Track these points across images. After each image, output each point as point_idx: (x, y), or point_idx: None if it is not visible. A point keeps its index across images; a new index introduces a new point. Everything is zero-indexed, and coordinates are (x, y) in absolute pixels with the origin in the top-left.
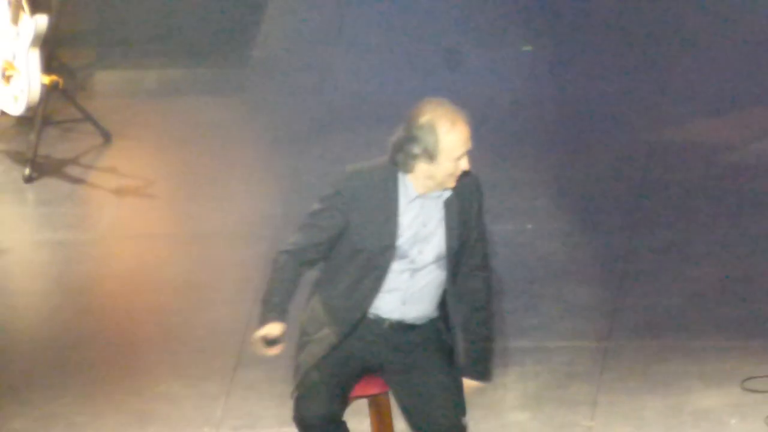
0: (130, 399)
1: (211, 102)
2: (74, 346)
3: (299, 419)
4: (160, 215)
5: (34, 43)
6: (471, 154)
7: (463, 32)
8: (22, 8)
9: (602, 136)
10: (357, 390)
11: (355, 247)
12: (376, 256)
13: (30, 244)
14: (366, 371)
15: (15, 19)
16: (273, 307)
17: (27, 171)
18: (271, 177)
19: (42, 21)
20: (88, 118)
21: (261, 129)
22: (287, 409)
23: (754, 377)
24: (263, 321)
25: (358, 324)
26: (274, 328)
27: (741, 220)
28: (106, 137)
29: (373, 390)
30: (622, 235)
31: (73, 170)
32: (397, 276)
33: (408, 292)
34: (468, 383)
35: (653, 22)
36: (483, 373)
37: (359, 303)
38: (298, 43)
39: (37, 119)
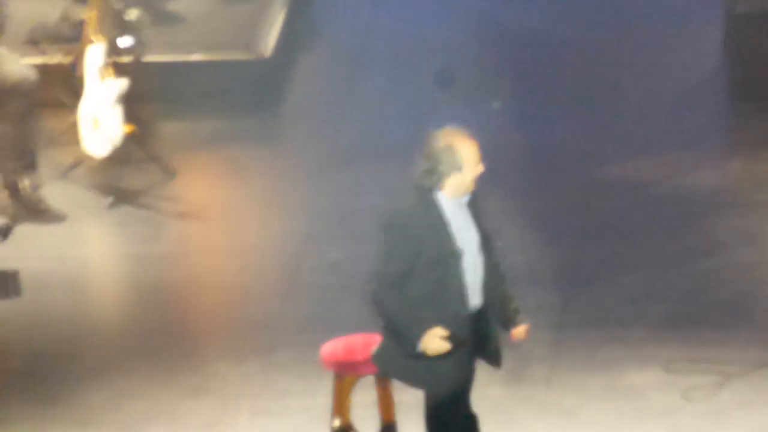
0: (187, 376)
1: (250, 146)
2: (142, 335)
3: (454, 411)
4: (210, 233)
5: (117, 100)
6: None
7: (453, 83)
8: (109, 73)
9: (558, 174)
10: (366, 369)
11: (429, 263)
12: (447, 263)
13: (111, 255)
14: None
15: (102, 80)
16: (418, 325)
17: (109, 199)
18: (297, 203)
19: (123, 83)
20: (156, 158)
21: (288, 166)
22: (311, 382)
23: (674, 361)
24: (417, 336)
25: (469, 319)
26: (437, 332)
27: (664, 239)
28: (171, 174)
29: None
30: (572, 250)
31: (144, 199)
32: (468, 272)
33: (476, 282)
34: (520, 329)
35: (597, 84)
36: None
37: (460, 302)
38: (316, 99)
39: (117, 159)
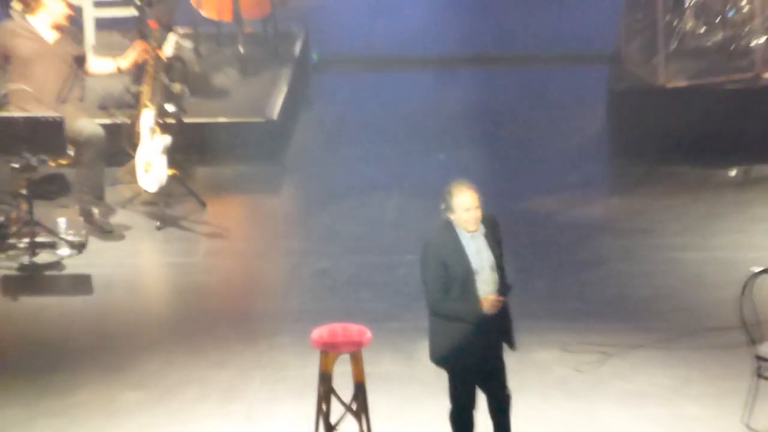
0: (213, 353)
1: (261, 185)
2: (180, 321)
3: (465, 398)
4: (231, 248)
5: (164, 151)
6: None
7: (412, 142)
8: (158, 130)
9: (486, 206)
10: (344, 348)
11: (455, 278)
12: (466, 278)
13: (157, 264)
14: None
15: (153, 136)
16: (467, 306)
17: (157, 223)
18: (296, 226)
19: (168, 138)
20: (192, 193)
21: (289, 200)
22: (304, 358)
23: (569, 344)
24: (470, 312)
25: (485, 318)
26: (486, 302)
27: (564, 254)
28: (202, 205)
29: (353, 348)
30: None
31: (183, 223)
32: (483, 286)
33: (489, 292)
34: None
35: (514, 142)
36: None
37: (475, 307)
38: (311, 151)
39: (163, 194)
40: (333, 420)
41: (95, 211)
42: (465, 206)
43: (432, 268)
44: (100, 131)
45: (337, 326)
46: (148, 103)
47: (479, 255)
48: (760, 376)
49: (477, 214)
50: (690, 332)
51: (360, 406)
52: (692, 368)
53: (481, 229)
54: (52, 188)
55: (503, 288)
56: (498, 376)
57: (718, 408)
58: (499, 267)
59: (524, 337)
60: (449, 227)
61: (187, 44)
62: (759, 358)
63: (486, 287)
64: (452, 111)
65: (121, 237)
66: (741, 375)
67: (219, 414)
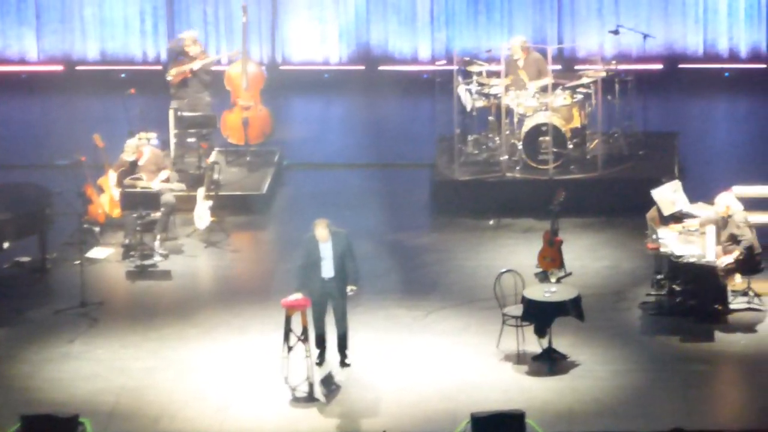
0: (235, 318)
1: (258, 227)
2: (218, 294)
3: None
4: (245, 258)
5: (208, 208)
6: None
7: (338, 209)
8: (204, 198)
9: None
10: (298, 308)
11: (314, 260)
12: (317, 262)
13: (203, 266)
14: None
15: (203, 200)
16: (312, 273)
17: (204, 245)
18: (277, 249)
19: (210, 202)
20: (222, 229)
21: (275, 237)
22: (279, 314)
23: (410, 306)
24: (300, 287)
25: (323, 282)
26: (298, 295)
27: (407, 261)
28: (228, 235)
29: (302, 308)
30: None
31: (217, 244)
32: (325, 266)
33: (329, 268)
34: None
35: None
36: (356, 282)
37: (321, 276)
38: (287, 210)
39: (207, 229)
40: (291, 343)
41: (158, 237)
42: (317, 231)
43: (301, 253)
44: (173, 198)
45: (291, 297)
46: (201, 190)
47: (325, 252)
48: (504, 323)
49: (322, 234)
50: (470, 301)
51: (305, 338)
52: (471, 319)
53: (330, 240)
54: (152, 226)
55: (344, 267)
56: (338, 311)
57: (484, 338)
58: (340, 259)
59: (386, 302)
60: (313, 237)
61: (219, 161)
62: (504, 314)
63: (327, 267)
64: (359, 188)
65: (186, 251)
66: (496, 322)
67: (235, 338)
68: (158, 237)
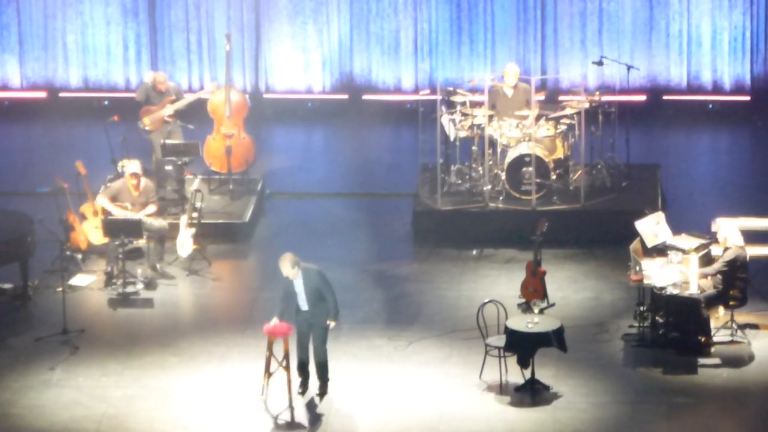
0: (219, 342)
1: (240, 254)
2: (201, 322)
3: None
4: (226, 284)
5: (191, 236)
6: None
7: (319, 237)
8: (188, 225)
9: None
10: (279, 335)
11: (290, 294)
12: (292, 296)
13: (187, 294)
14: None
15: (186, 228)
16: (282, 310)
17: (187, 272)
18: (260, 275)
19: (193, 230)
20: (204, 258)
21: (258, 262)
22: (260, 340)
23: (394, 337)
24: (279, 316)
25: (301, 313)
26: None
27: (389, 292)
28: (209, 263)
29: (284, 335)
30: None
31: (199, 272)
32: (300, 299)
33: (303, 301)
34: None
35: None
36: (335, 317)
37: (299, 307)
38: (268, 237)
39: (190, 257)
40: (272, 369)
41: (157, 265)
42: (282, 269)
43: (281, 285)
44: (166, 226)
45: (272, 322)
46: (183, 218)
47: (298, 287)
48: (487, 353)
49: (289, 272)
50: (451, 331)
51: (287, 364)
52: (453, 349)
53: (300, 276)
54: (134, 254)
55: (320, 301)
56: (316, 340)
57: (466, 369)
58: (313, 294)
59: (368, 332)
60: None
61: (202, 188)
62: (486, 345)
63: (302, 301)
64: (341, 217)
65: (173, 279)
66: (478, 353)
67: (216, 366)
68: (158, 265)
